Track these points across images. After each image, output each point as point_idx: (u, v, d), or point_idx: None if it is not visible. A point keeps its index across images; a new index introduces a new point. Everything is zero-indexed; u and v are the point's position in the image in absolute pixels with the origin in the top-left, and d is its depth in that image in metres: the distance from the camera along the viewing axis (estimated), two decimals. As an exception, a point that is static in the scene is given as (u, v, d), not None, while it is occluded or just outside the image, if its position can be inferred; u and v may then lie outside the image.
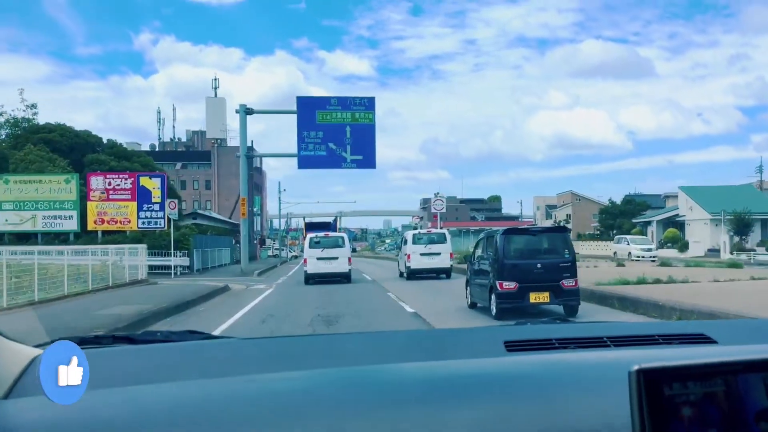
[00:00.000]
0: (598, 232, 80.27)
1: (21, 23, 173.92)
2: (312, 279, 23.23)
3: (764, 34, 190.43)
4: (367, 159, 33.34)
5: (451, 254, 26.02)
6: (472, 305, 14.03)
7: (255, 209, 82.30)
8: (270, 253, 77.04)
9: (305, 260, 24.13)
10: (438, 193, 48.66)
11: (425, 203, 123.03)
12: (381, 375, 1.48)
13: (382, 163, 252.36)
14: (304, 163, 33.25)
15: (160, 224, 32.35)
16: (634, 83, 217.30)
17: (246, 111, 33.18)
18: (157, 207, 32.35)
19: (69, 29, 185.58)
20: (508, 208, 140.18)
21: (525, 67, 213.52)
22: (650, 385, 0.97)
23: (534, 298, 11.90)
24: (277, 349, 1.85)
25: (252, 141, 78.32)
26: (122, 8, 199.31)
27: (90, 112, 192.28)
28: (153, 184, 32.65)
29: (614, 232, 74.96)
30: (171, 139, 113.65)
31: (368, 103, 33.33)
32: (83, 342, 1.76)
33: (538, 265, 12.15)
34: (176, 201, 30.15)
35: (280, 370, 1.54)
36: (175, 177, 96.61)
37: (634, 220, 69.82)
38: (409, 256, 25.06)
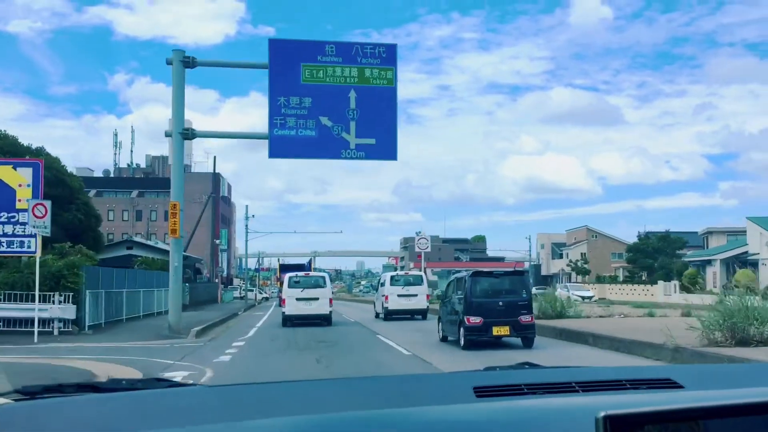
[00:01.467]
0: (628, 274, 67.36)
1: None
2: (290, 321, 22.28)
3: (730, 85, 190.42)
4: (382, 144, 20.13)
5: (427, 296, 26.86)
6: (444, 339, 16.03)
7: (219, 242, 68.99)
8: (237, 294, 64.59)
9: (283, 301, 23.29)
10: (420, 232, 44.57)
11: (406, 242, 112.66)
12: (353, 422, 1.44)
13: (355, 204, 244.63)
14: (279, 148, 19.92)
15: (31, 246, 18.88)
16: (604, 130, 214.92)
17: (184, 61, 20.00)
18: (25, 217, 18.85)
19: (45, 68, 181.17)
20: (493, 247, 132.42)
21: (497, 113, 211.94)
22: (617, 431, 0.97)
23: (496, 331, 13.90)
24: (247, 397, 1.76)
25: (216, 163, 65.55)
26: (99, 49, 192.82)
27: (63, 149, 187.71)
28: (19, 179, 19.09)
29: (648, 274, 62.59)
30: (128, 165, 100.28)
31: (387, 54, 20.19)
32: (47, 390, 1.74)
33: (500, 303, 14.17)
34: (47, 204, 16.80)
35: (249, 418, 1.47)
36: (130, 206, 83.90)
37: (685, 260, 56.41)
38: (386, 297, 25.55)
